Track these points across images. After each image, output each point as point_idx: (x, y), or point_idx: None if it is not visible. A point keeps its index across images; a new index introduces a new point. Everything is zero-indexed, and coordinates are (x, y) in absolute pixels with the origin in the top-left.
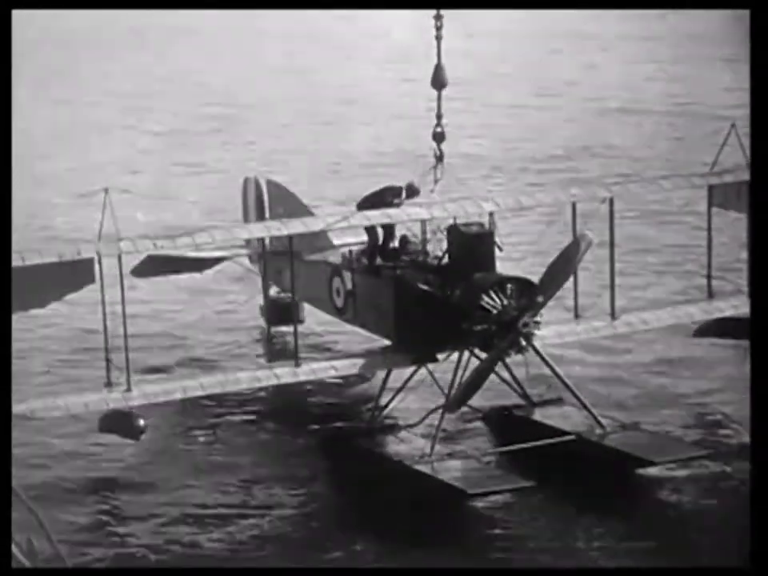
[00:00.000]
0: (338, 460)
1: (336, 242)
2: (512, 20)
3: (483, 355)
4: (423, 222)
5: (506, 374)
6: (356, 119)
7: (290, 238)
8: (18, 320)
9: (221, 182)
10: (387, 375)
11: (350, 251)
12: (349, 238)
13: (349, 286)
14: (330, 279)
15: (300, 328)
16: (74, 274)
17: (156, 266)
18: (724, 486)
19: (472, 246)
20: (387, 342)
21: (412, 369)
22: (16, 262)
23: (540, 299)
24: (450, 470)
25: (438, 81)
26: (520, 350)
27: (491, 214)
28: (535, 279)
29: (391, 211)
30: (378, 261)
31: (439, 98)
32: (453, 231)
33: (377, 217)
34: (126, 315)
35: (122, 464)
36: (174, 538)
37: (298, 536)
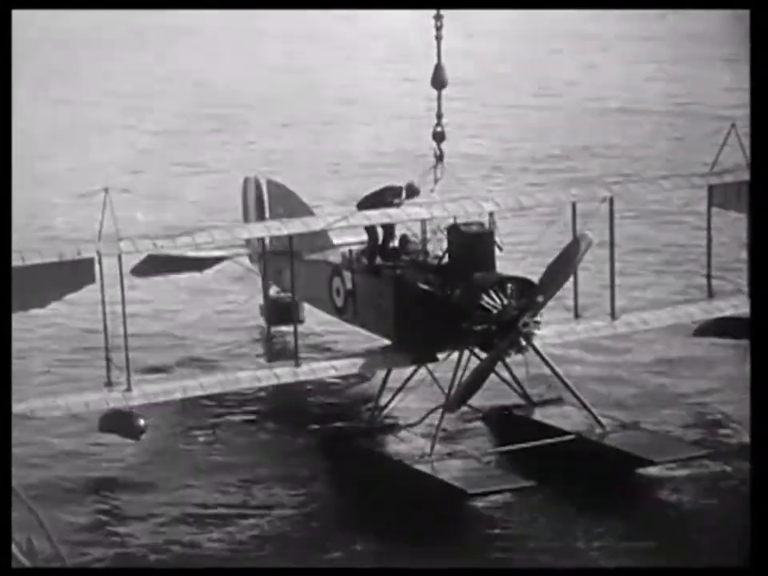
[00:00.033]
0: (338, 460)
1: (336, 241)
2: (512, 20)
3: (483, 355)
4: (423, 221)
5: (505, 374)
6: (356, 119)
7: (290, 237)
8: (18, 320)
9: (221, 182)
10: (387, 375)
11: (350, 251)
12: (349, 237)
13: (349, 285)
14: (330, 279)
15: (300, 328)
16: (74, 273)
17: (156, 265)
18: (724, 486)
19: (472, 245)
20: (387, 342)
21: (412, 368)
22: (16, 261)
23: (540, 299)
24: (450, 470)
25: (438, 81)
26: (520, 349)
27: (491, 214)
28: (535, 279)
29: (391, 211)
30: (378, 260)
31: (439, 98)
32: (453, 231)
33: (377, 216)
34: (126, 315)
35: (122, 464)
36: (174, 537)
37: (298, 536)
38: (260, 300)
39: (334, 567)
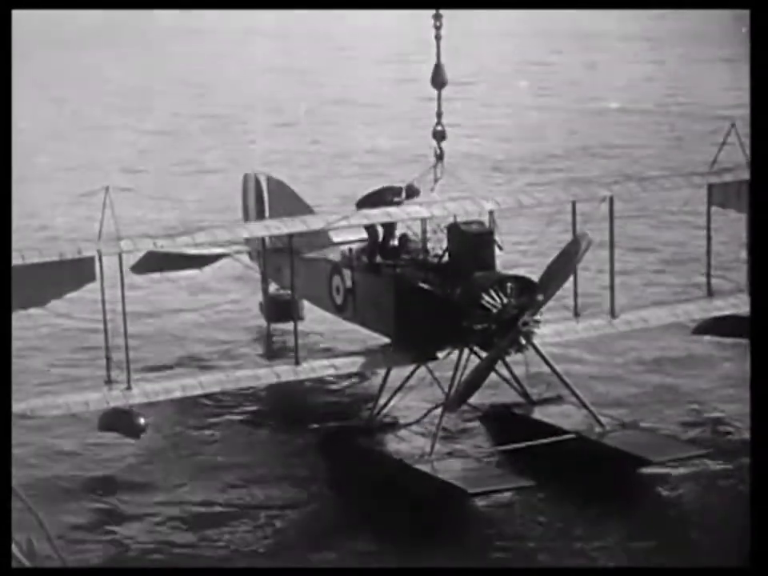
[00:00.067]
0: (338, 460)
1: (335, 239)
2: (512, 20)
3: (483, 354)
4: (423, 220)
5: (505, 373)
6: (356, 119)
7: (290, 236)
8: (19, 319)
9: (221, 182)
10: (387, 374)
11: (350, 249)
12: (348, 235)
13: (348, 284)
14: (330, 277)
15: (300, 327)
16: (75, 272)
17: (156, 262)
18: (724, 485)
19: (472, 244)
20: (387, 340)
21: (412, 367)
22: (16, 260)
23: (540, 298)
24: (450, 470)
25: (438, 80)
26: (520, 348)
27: (491, 213)
28: (535, 278)
29: (391, 210)
30: (378, 259)
31: (439, 97)
32: (453, 230)
33: (377, 216)
34: (126, 314)
35: (122, 463)
36: (174, 537)
37: (297, 536)
38: (259, 297)
39: (334, 567)
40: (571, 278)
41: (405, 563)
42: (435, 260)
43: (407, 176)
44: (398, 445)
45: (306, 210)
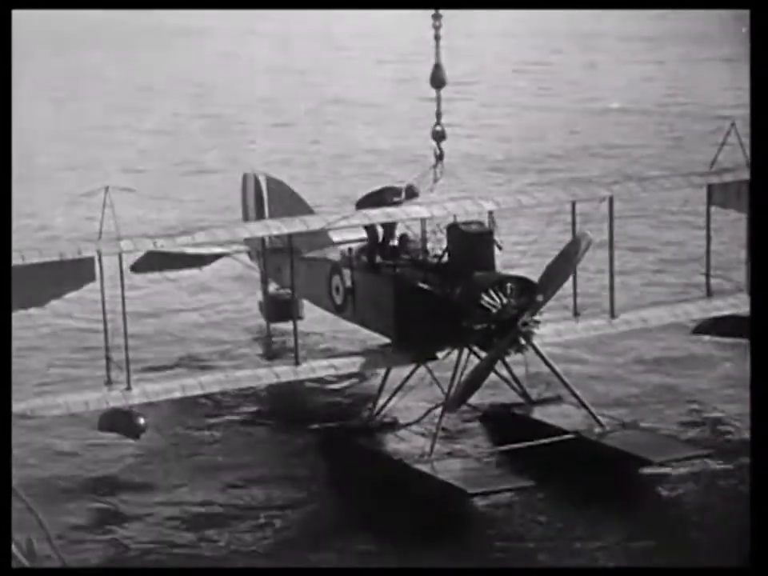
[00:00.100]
0: (338, 460)
1: (335, 239)
2: (512, 20)
3: (483, 354)
4: (423, 220)
5: (504, 373)
6: (356, 119)
7: (290, 236)
8: (19, 319)
9: (221, 182)
10: (386, 374)
11: (350, 249)
12: (348, 235)
13: (348, 283)
14: (330, 277)
15: (300, 327)
16: (75, 272)
17: (155, 262)
18: (724, 485)
19: (472, 244)
20: (386, 340)
21: (411, 367)
22: (16, 260)
23: (539, 298)
24: (450, 470)
25: (437, 80)
26: (519, 348)
27: (491, 213)
28: (535, 278)
29: (391, 210)
30: (378, 259)
31: (438, 97)
32: (453, 230)
33: (377, 215)
34: (126, 314)
35: (122, 464)
36: (174, 537)
37: (297, 536)
38: (259, 297)
39: (334, 567)
40: (571, 278)
41: (405, 563)
42: (435, 260)
43: (407, 176)
44: (397, 445)
45: (306, 209)
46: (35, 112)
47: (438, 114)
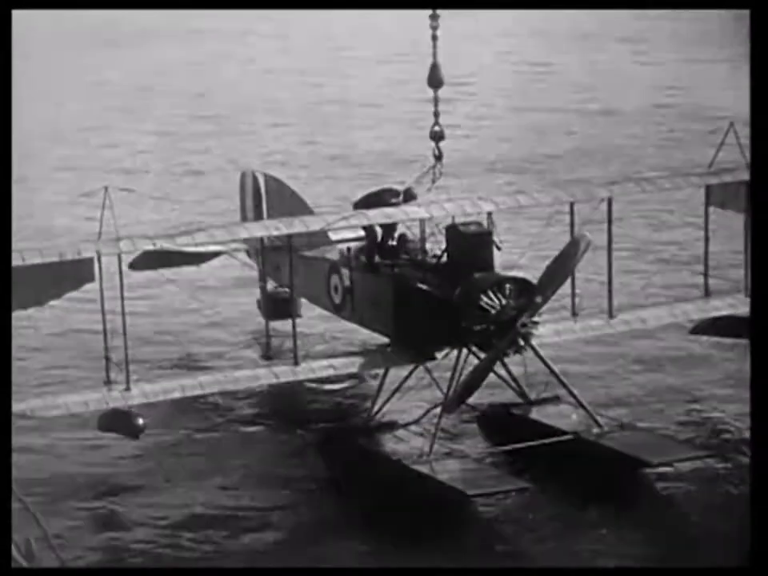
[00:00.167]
0: (338, 460)
1: (333, 237)
2: (513, 20)
3: (482, 354)
4: (422, 221)
5: (503, 373)
6: (355, 119)
7: (290, 236)
8: (19, 319)
9: (221, 182)
10: (385, 374)
11: (348, 248)
12: (347, 234)
13: (347, 283)
14: (328, 276)
15: (299, 327)
16: (74, 272)
17: (154, 259)
18: (724, 485)
19: (471, 245)
20: (385, 340)
21: (410, 367)
22: (16, 261)
23: (538, 299)
24: (449, 471)
25: (435, 80)
26: (518, 349)
27: (490, 214)
28: (534, 279)
29: (390, 210)
30: (377, 259)
31: (436, 97)
32: (451, 231)
33: (376, 216)
34: (126, 314)
35: (121, 464)
36: (173, 537)
37: (297, 536)
38: (257, 296)
39: (334, 567)
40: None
41: (405, 563)
42: (434, 260)
43: (406, 176)
44: (396, 445)
45: (305, 208)
46: (35, 112)
47: (436, 115)
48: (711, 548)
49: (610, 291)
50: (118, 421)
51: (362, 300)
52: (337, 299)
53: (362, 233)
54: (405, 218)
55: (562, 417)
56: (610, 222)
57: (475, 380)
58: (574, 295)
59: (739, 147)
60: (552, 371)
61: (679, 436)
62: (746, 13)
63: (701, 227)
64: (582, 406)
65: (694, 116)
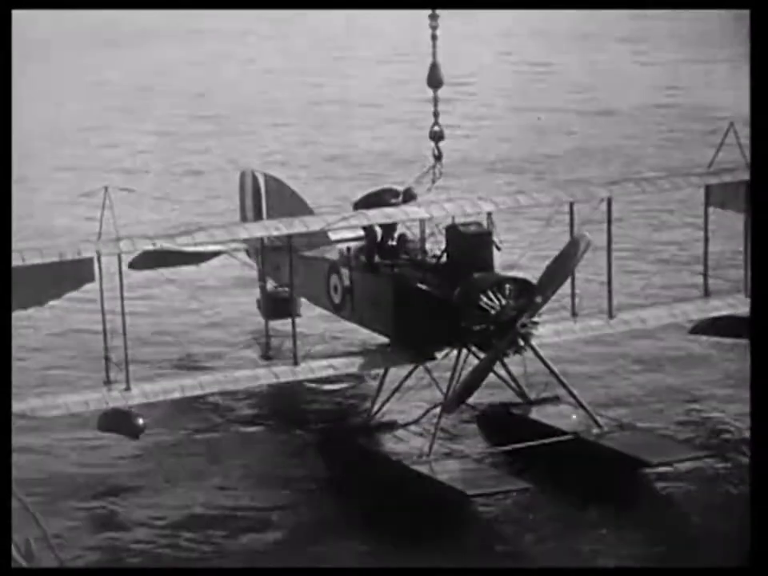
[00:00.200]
0: (337, 460)
1: (333, 237)
2: (513, 20)
3: (481, 354)
4: (422, 221)
5: (503, 372)
6: (355, 119)
7: (290, 237)
8: (19, 319)
9: (220, 182)
10: (385, 373)
11: (348, 248)
12: (346, 233)
13: (346, 282)
14: (328, 276)
15: (299, 327)
16: (74, 272)
17: (153, 259)
18: (724, 485)
19: (470, 245)
20: (385, 340)
21: (410, 367)
22: (16, 261)
23: (538, 299)
24: (449, 471)
25: (434, 80)
26: (518, 350)
27: (489, 214)
28: (534, 279)
29: (390, 210)
30: (377, 258)
31: (435, 97)
32: (451, 231)
33: (376, 216)
34: (126, 314)
35: (121, 464)
36: (173, 537)
37: (297, 536)
38: (257, 295)
39: (334, 567)
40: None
41: (405, 563)
42: (434, 260)
43: (406, 176)
44: (396, 445)
45: (304, 207)
46: (35, 112)
47: (436, 114)
48: (711, 548)
49: (609, 291)
50: (118, 421)
51: (362, 300)
52: (336, 299)
53: (361, 232)
54: (405, 217)
55: (562, 417)
56: (609, 222)
57: (475, 380)
58: (573, 295)
59: (739, 147)
60: (552, 371)
61: (679, 436)
62: (746, 13)
63: (701, 227)
64: (581, 406)
65: (694, 116)
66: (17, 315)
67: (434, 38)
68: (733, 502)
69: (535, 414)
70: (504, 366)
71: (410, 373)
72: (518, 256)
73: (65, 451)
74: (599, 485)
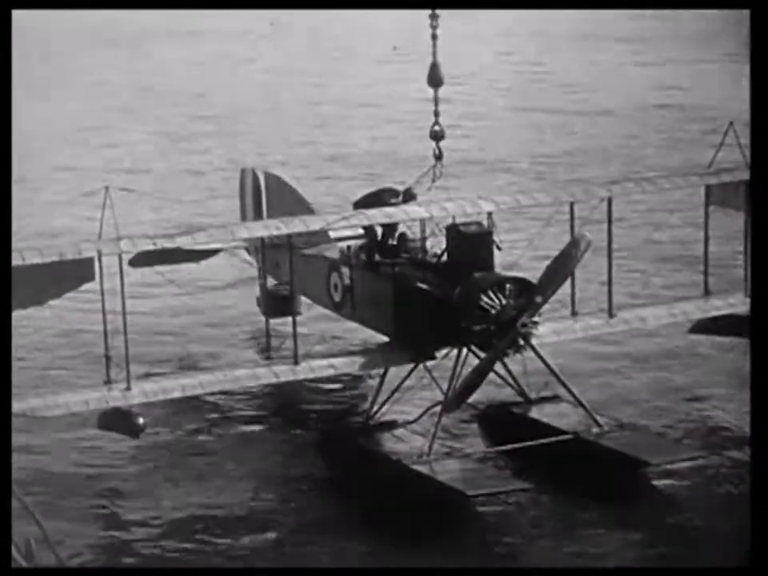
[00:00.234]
0: (337, 460)
1: (333, 235)
2: (513, 20)
3: (482, 354)
4: (422, 221)
5: (503, 372)
6: (355, 119)
7: (290, 236)
8: (18, 319)
9: (220, 182)
10: (385, 373)
11: (348, 247)
12: (346, 231)
13: (347, 281)
14: (328, 274)
15: (299, 326)
16: (75, 272)
17: (153, 257)
18: (724, 485)
19: (471, 245)
20: (385, 339)
21: (410, 367)
22: (16, 261)
23: (538, 299)
24: (449, 471)
25: (435, 79)
26: (518, 349)
27: (490, 214)
28: (534, 279)
29: (390, 210)
30: (377, 257)
31: (436, 97)
32: (452, 231)
33: (376, 216)
34: (126, 313)
35: (121, 464)
36: (172, 537)
37: (297, 536)
38: (257, 292)
39: (334, 567)
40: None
41: (405, 563)
42: (434, 259)
43: (406, 176)
44: (395, 444)
45: (304, 205)
46: (35, 112)
47: (436, 114)
48: (711, 548)
49: (609, 291)
50: (118, 420)
51: (362, 299)
52: (337, 297)
53: (361, 231)
54: (405, 217)
55: (562, 416)
56: (610, 221)
57: (475, 380)
58: (574, 295)
59: (739, 147)
60: (552, 371)
61: (680, 435)
62: (746, 13)
63: (701, 227)
64: (581, 405)
65: (694, 116)
66: (17, 315)
67: (434, 37)
68: (733, 501)
69: (535, 413)
70: (504, 365)
71: (411, 373)
72: (518, 256)
73: (65, 451)
74: (599, 485)
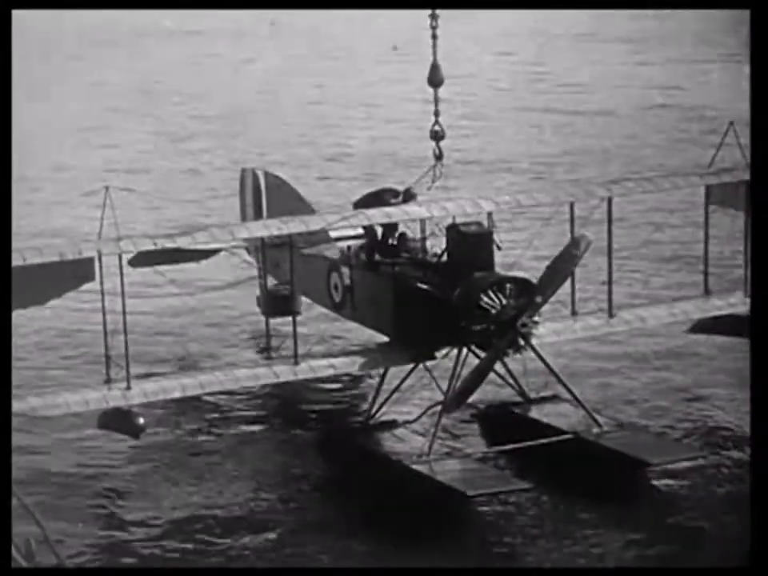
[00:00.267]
0: (337, 460)
1: (333, 234)
2: (513, 20)
3: (481, 354)
4: (422, 221)
5: (503, 371)
6: (355, 119)
7: (290, 236)
8: (18, 318)
9: (220, 182)
10: (385, 373)
11: (348, 247)
12: (345, 231)
13: (347, 281)
14: (328, 274)
15: (299, 326)
16: (75, 272)
17: (153, 256)
18: (724, 485)
19: (471, 245)
20: (385, 339)
21: (410, 366)
22: (16, 261)
23: (539, 299)
24: (449, 471)
25: (435, 79)
26: (518, 349)
27: (490, 214)
28: (534, 279)
29: (391, 210)
30: (377, 257)
31: (436, 97)
32: (452, 231)
33: (376, 216)
34: (126, 313)
35: (121, 464)
36: (172, 537)
37: (297, 536)
38: (257, 292)
39: (334, 567)
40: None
41: (405, 563)
42: (434, 259)
43: (406, 176)
44: (395, 444)
45: (304, 205)
46: (35, 112)
47: (436, 114)
48: (711, 548)
49: (609, 291)
50: (118, 420)
51: (362, 298)
52: (337, 297)
53: (360, 231)
54: (405, 217)
55: (562, 416)
56: (610, 222)
57: (475, 380)
58: (574, 295)
59: (739, 147)
60: (552, 371)
61: (679, 435)
62: (746, 13)
63: (701, 227)
64: (581, 405)
65: (694, 116)
66: (17, 315)
67: (434, 37)
68: (733, 501)
69: (535, 413)
70: (504, 365)
71: (410, 372)
72: (518, 256)
73: (65, 451)
74: (599, 485)
